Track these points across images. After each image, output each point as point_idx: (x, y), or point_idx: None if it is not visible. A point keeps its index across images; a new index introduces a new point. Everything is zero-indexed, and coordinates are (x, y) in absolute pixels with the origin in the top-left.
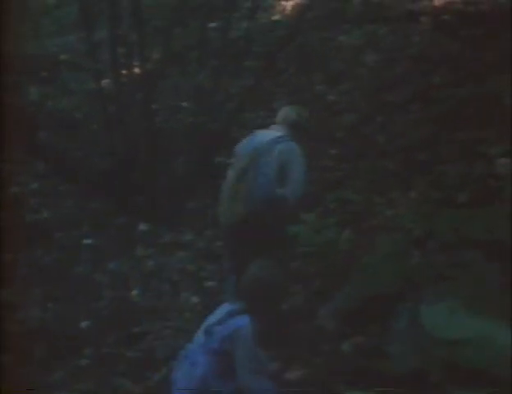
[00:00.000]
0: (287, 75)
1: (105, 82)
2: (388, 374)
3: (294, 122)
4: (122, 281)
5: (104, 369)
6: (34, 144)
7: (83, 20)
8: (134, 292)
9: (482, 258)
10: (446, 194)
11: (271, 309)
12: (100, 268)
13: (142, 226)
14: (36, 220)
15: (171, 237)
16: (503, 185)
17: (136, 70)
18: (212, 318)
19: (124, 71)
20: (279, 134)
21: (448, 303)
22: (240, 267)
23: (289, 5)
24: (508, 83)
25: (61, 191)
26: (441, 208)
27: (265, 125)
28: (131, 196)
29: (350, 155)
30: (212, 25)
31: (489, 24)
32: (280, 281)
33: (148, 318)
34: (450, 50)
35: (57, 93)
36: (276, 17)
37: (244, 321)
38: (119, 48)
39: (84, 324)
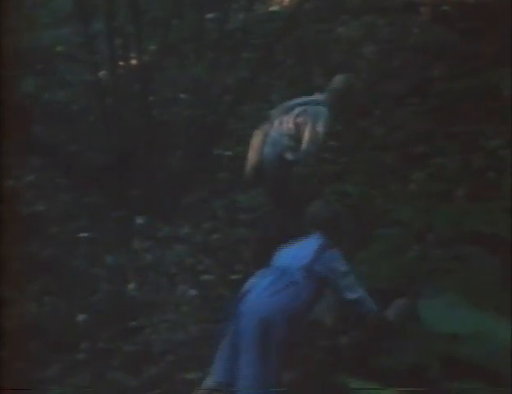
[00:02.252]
0: (285, 67)
1: (102, 74)
2: (387, 369)
3: (337, 90)
4: (119, 274)
5: (101, 363)
6: (31, 137)
7: (79, 12)
8: (131, 286)
9: (481, 252)
10: (445, 188)
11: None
12: (97, 262)
13: (139, 220)
14: (32, 213)
15: (169, 231)
16: (502, 179)
17: (133, 62)
18: (301, 260)
19: (121, 63)
20: (313, 98)
21: (446, 297)
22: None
23: None
24: (507, 75)
25: (58, 184)
26: (440, 201)
27: (263, 118)
28: (128, 189)
29: (349, 148)
30: (210, 16)
31: (488, 16)
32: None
33: (145, 312)
34: (449, 42)
35: (53, 86)
36: (273, 8)
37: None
38: (116, 40)
39: (80, 318)
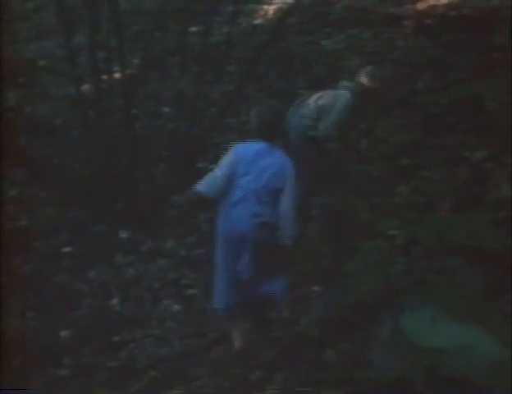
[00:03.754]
0: (269, 79)
1: (85, 87)
2: (372, 382)
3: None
4: (103, 289)
5: (84, 379)
6: (14, 151)
7: (61, 25)
8: (115, 301)
9: (466, 264)
10: (430, 200)
11: None
12: (80, 277)
13: (122, 234)
14: (15, 228)
15: (152, 245)
16: (487, 191)
17: (116, 75)
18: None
19: (104, 77)
20: (342, 84)
21: (431, 311)
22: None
23: (271, 9)
24: (491, 88)
25: (41, 198)
26: (424, 214)
27: (247, 131)
28: (112, 203)
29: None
30: (193, 29)
31: (472, 28)
32: None
33: (129, 327)
34: (433, 55)
35: (36, 99)
36: (257, 22)
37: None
38: (99, 53)
39: (63, 334)
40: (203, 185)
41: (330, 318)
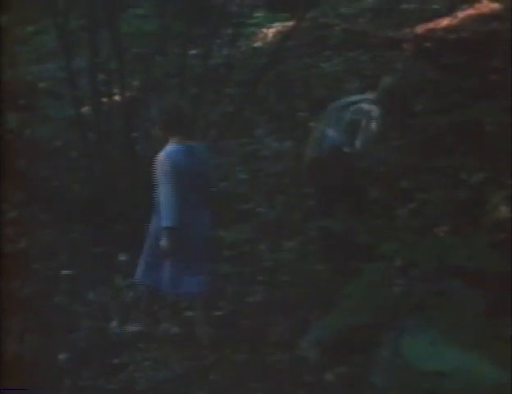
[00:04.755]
0: (268, 102)
1: (85, 110)
2: None
3: (387, 88)
4: (101, 311)
5: None
6: (14, 173)
7: (62, 48)
8: (114, 323)
9: (465, 287)
10: (429, 222)
11: None
12: (79, 299)
13: (122, 256)
14: (14, 250)
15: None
16: (486, 213)
17: (116, 97)
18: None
19: (104, 99)
20: (365, 96)
21: (429, 333)
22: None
23: (270, 32)
24: (489, 110)
25: (40, 220)
26: (423, 236)
27: (247, 153)
28: (111, 225)
29: None
30: (193, 52)
31: (470, 51)
32: None
33: (128, 350)
34: (431, 77)
35: (35, 121)
36: (257, 44)
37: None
38: (99, 76)
39: (62, 356)
40: (174, 220)
41: (329, 340)
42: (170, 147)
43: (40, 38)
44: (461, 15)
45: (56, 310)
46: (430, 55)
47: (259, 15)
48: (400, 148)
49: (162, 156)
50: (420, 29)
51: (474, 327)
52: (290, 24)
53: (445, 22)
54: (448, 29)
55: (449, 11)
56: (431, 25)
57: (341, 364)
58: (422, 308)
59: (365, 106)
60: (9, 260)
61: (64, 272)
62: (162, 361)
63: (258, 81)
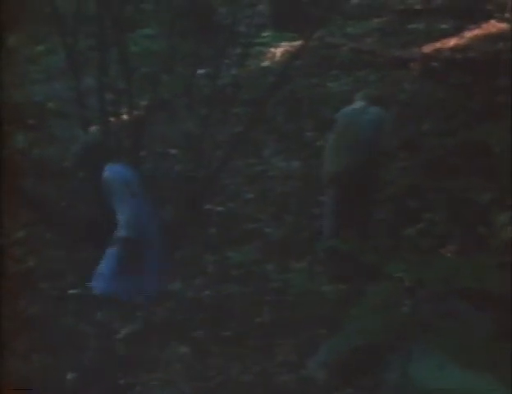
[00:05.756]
0: (276, 122)
1: (92, 129)
2: None
3: (375, 97)
4: (109, 331)
5: None
6: (21, 193)
7: (70, 68)
8: (121, 343)
9: (471, 308)
10: (436, 243)
11: None
12: (86, 319)
13: None
14: (21, 270)
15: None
16: (492, 233)
17: (124, 117)
18: None
19: (112, 118)
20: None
21: (437, 356)
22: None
23: (278, 52)
24: (496, 130)
25: (47, 240)
26: (430, 256)
27: (255, 173)
28: None
29: None
30: (201, 71)
31: (477, 71)
32: None
33: (136, 370)
34: (438, 97)
35: (43, 141)
36: (265, 64)
37: None
38: (107, 95)
39: (69, 376)
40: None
41: (337, 361)
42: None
43: (49, 57)
44: (469, 35)
45: (63, 330)
46: (437, 75)
47: (267, 34)
48: (407, 168)
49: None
50: (427, 48)
51: (481, 350)
52: (297, 43)
53: (452, 42)
54: (455, 49)
55: (456, 30)
56: (438, 44)
57: (349, 385)
58: (429, 329)
59: (379, 109)
60: (16, 279)
61: (71, 291)
62: (170, 381)
63: (265, 101)
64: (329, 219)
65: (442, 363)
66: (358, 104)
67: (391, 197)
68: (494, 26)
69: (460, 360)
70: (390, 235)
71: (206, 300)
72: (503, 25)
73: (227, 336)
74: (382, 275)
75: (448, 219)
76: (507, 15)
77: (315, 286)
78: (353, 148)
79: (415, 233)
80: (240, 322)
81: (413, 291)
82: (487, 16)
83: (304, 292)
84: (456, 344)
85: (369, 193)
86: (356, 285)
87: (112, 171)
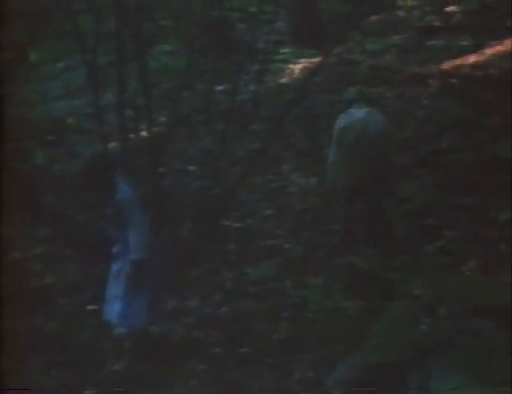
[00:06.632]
0: (294, 138)
1: (112, 145)
2: None
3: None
4: (126, 348)
5: None
6: (39, 208)
7: (90, 84)
8: (139, 359)
9: (491, 326)
10: (455, 260)
11: None
12: (104, 335)
13: None
14: (40, 285)
15: (176, 303)
16: None
17: (143, 133)
18: None
19: (131, 135)
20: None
21: (457, 375)
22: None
23: (297, 68)
24: None
25: (66, 256)
26: (449, 274)
27: (273, 189)
28: None
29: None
30: (220, 88)
31: (497, 88)
32: None
33: (153, 387)
34: (457, 114)
35: (63, 157)
36: (283, 80)
37: None
38: (126, 112)
39: (87, 392)
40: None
41: (354, 378)
42: None
43: (69, 74)
44: (489, 51)
45: (81, 346)
46: (456, 91)
47: (286, 51)
48: (426, 185)
49: None
50: (446, 65)
51: (502, 368)
52: (316, 60)
53: (472, 59)
54: (475, 66)
55: (476, 47)
56: (458, 61)
57: None
58: (448, 347)
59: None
60: (35, 295)
61: (89, 307)
62: None
63: (284, 117)
64: (342, 234)
65: (462, 381)
66: (357, 112)
67: (410, 214)
68: None
69: (480, 378)
70: (409, 252)
71: (223, 317)
72: None
73: (245, 353)
74: (401, 292)
75: (467, 236)
76: None
77: (333, 302)
78: (364, 161)
79: (434, 250)
80: (258, 339)
81: (432, 309)
82: (508, 33)
83: (322, 309)
84: (476, 362)
85: (384, 207)
86: (374, 302)
87: (125, 192)
